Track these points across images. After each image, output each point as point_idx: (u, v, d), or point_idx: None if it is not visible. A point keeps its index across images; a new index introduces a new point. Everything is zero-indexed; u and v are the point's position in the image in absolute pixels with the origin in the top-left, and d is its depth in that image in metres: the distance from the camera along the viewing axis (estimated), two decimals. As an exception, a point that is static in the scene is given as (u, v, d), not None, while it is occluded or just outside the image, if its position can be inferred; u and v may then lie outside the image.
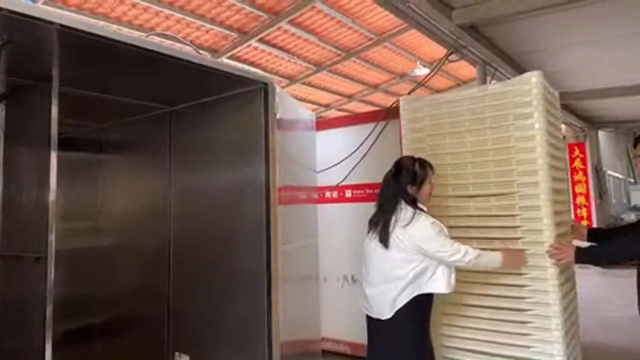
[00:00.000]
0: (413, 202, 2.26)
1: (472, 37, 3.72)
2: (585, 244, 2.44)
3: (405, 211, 2.21)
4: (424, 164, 2.34)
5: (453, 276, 2.22)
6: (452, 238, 2.23)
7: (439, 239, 2.17)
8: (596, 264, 3.25)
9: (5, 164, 2.70)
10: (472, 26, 3.68)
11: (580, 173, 9.28)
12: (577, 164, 9.25)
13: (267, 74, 2.69)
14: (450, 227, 2.35)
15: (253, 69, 6.67)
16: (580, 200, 9.21)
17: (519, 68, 5.10)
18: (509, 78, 4.94)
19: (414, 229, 2.16)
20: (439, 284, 2.19)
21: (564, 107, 7.40)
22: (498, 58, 4.37)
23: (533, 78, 2.49)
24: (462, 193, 2.68)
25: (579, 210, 9.15)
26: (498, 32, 3.96)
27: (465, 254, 2.19)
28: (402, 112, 2.97)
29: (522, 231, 2.49)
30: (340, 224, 3.82)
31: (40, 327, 2.14)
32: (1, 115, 2.70)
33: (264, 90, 2.63)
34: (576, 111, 8.16)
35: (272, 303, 2.55)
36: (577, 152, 9.27)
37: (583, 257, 2.36)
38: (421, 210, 2.25)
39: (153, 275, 3.18)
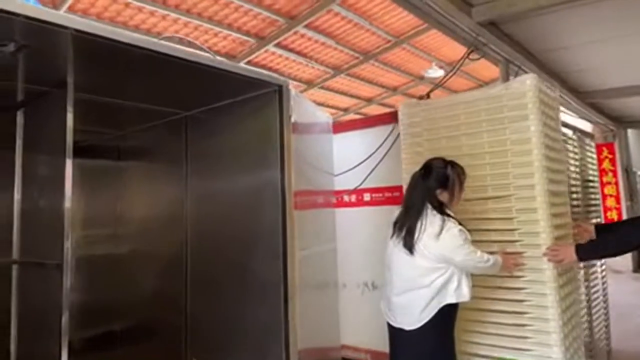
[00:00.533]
0: (441, 207, 2.18)
1: (493, 34, 3.62)
2: None
3: (432, 217, 2.13)
4: (455, 167, 2.26)
5: (470, 283, 2.19)
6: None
7: (466, 247, 2.11)
8: (601, 257, 3.13)
9: (23, 172, 2.72)
10: (492, 23, 3.58)
11: (610, 174, 8.95)
12: (606, 165, 8.93)
13: (282, 77, 2.64)
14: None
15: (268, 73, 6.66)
16: (610, 202, 8.89)
17: (543, 66, 4.95)
18: (532, 77, 4.80)
19: (444, 239, 2.08)
20: (463, 292, 2.14)
21: (591, 106, 7.16)
22: (520, 56, 4.24)
23: (528, 81, 2.52)
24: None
25: (609, 213, 8.83)
26: (519, 29, 3.84)
27: (487, 260, 2.16)
28: (400, 118, 3.02)
29: (519, 234, 2.51)
30: (359, 228, 3.73)
31: (57, 334, 2.12)
32: (20, 123, 2.72)
33: (278, 92, 2.59)
34: (604, 110, 7.89)
35: (290, 310, 2.49)
36: (605, 152, 8.95)
37: (585, 254, 2.36)
38: (449, 216, 2.15)
39: (170, 281, 3.16)
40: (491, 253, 2.28)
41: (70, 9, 5.07)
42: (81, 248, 3.76)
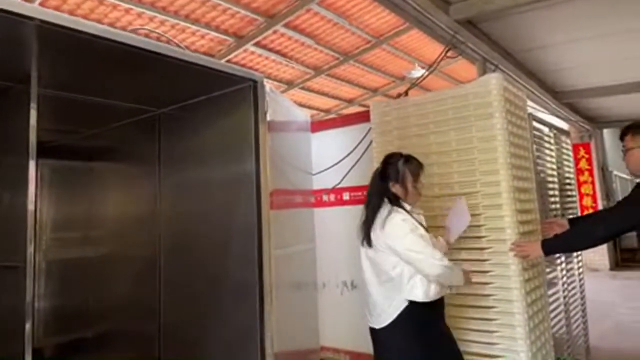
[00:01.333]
0: (397, 201, 2.18)
1: (471, 32, 3.63)
2: None
3: (384, 209, 2.14)
4: (410, 159, 2.26)
5: (433, 286, 2.08)
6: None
7: (409, 238, 2.05)
8: (567, 251, 3.16)
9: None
10: (470, 21, 3.58)
11: (586, 174, 9.11)
12: (583, 164, 9.08)
13: (257, 73, 2.58)
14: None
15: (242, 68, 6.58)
16: (587, 201, 9.03)
17: (520, 66, 4.99)
18: (510, 76, 4.84)
19: (387, 227, 2.08)
20: (415, 291, 2.06)
21: (568, 105, 7.27)
22: (498, 55, 4.26)
23: (493, 80, 2.59)
24: (428, 193, 2.69)
25: (585, 212, 8.98)
26: (497, 27, 3.86)
27: (441, 259, 2.04)
28: (372, 117, 3.07)
29: (486, 229, 2.56)
30: (338, 228, 3.69)
31: (20, 340, 2.03)
32: (-19, 120, 2.60)
33: (253, 88, 2.53)
34: (580, 110, 8.03)
35: (265, 311, 2.43)
36: (582, 152, 9.10)
37: (549, 248, 2.39)
38: (401, 207, 2.16)
39: (143, 285, 3.07)
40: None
41: (42, 6, 4.92)
42: (50, 251, 3.64)
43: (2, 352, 2.29)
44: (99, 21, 5.37)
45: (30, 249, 2.02)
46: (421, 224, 2.21)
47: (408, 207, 2.20)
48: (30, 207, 2.03)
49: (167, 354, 2.88)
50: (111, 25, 5.49)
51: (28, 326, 2.00)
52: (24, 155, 2.06)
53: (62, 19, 1.78)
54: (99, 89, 2.67)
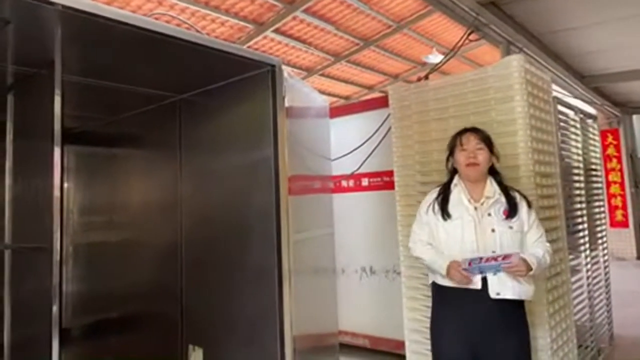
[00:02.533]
0: (452, 174, 2.21)
1: (494, 14, 3.53)
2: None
3: None
4: (456, 133, 2.23)
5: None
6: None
7: (416, 218, 2.24)
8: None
9: (15, 156, 2.68)
10: (493, 2, 3.49)
11: (614, 161, 8.86)
12: (611, 151, 8.83)
13: (275, 57, 2.57)
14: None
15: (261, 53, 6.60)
16: (614, 189, 8.80)
17: (546, 49, 4.85)
18: (535, 60, 4.72)
19: None
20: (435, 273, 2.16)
21: (596, 90, 7.05)
22: (522, 38, 4.15)
23: (514, 62, 2.52)
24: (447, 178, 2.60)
25: (613, 200, 8.75)
26: (521, 9, 3.75)
27: (414, 245, 2.20)
28: (390, 102, 3.04)
29: None
30: (357, 213, 3.70)
31: (49, 320, 2.10)
32: (10, 106, 2.67)
33: (271, 72, 2.52)
34: (609, 95, 7.77)
35: (284, 295, 2.46)
36: (610, 138, 8.85)
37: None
38: (448, 183, 2.18)
39: (165, 268, 3.13)
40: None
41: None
42: (76, 236, 3.75)
43: (32, 332, 2.38)
44: (122, 9, 5.44)
45: (56, 234, 2.09)
46: (469, 200, 2.09)
47: (456, 180, 2.17)
48: (56, 192, 2.09)
49: (188, 336, 2.94)
50: (133, 12, 5.55)
51: (55, 308, 2.07)
52: (48, 141, 2.12)
53: (83, 4, 1.80)
54: (121, 75, 2.70)
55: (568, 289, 2.74)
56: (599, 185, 3.83)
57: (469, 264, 1.95)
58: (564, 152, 3.14)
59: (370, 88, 9.48)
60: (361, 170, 3.55)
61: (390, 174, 3.32)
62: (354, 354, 3.71)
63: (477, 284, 1.98)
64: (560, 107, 3.11)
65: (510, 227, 2.02)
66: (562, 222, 2.72)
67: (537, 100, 2.61)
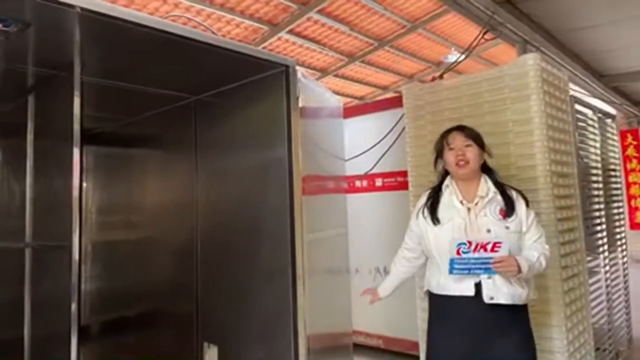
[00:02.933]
0: (444, 176, 2.14)
1: (510, 13, 3.50)
2: None
3: None
4: (442, 133, 2.14)
5: (442, 277, 1.99)
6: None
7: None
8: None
9: (35, 156, 2.74)
10: (509, 1, 3.45)
11: (635, 161, 8.65)
12: (630, 151, 8.63)
13: (289, 58, 2.59)
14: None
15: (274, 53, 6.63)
16: (635, 190, 8.61)
17: (563, 48, 4.79)
18: (552, 58, 4.66)
19: None
20: (429, 280, 2.13)
21: (615, 90, 6.92)
22: (539, 36, 4.10)
23: (529, 60, 2.50)
24: None
25: (633, 201, 8.57)
26: (538, 7, 3.70)
27: (395, 258, 2.34)
28: (404, 102, 3.04)
29: None
30: (371, 214, 3.69)
31: (67, 317, 2.15)
32: (31, 108, 2.73)
33: (285, 73, 2.54)
34: (629, 95, 7.63)
35: (298, 294, 2.47)
36: (630, 139, 8.64)
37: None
38: (439, 185, 2.13)
39: (181, 267, 3.16)
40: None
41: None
42: (94, 235, 3.82)
43: (51, 329, 2.43)
44: (139, 11, 5.52)
45: (75, 232, 2.13)
46: (461, 201, 2.02)
47: (448, 181, 2.09)
48: (75, 192, 2.13)
49: (204, 333, 2.97)
50: (150, 15, 5.63)
51: (74, 305, 2.11)
52: (68, 142, 2.16)
53: (102, 6, 1.83)
54: (138, 76, 2.74)
55: (586, 291, 2.70)
56: (618, 186, 3.77)
57: (457, 252, 1.86)
58: (582, 152, 3.09)
59: (384, 88, 9.45)
60: (375, 171, 3.55)
61: (404, 174, 3.32)
62: (368, 354, 3.71)
63: (470, 290, 1.91)
64: (577, 107, 3.07)
65: (507, 227, 1.92)
66: (580, 223, 2.68)
67: (553, 99, 2.58)
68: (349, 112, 3.75)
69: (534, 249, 1.94)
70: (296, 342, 2.44)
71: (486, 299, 1.88)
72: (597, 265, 3.15)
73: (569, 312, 2.40)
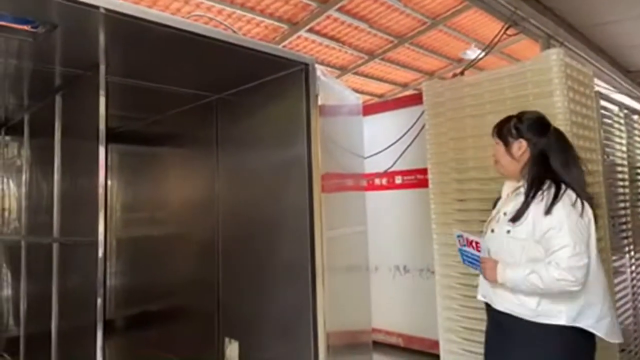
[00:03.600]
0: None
1: (533, 7, 3.43)
2: None
3: None
4: None
5: None
6: (475, 221, 2.15)
7: None
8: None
9: (62, 154, 2.81)
10: (532, -5, 3.39)
11: (663, 159, 8.41)
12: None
13: (308, 56, 2.60)
14: (473, 211, 2.45)
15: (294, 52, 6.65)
16: (664, 188, 8.36)
17: (589, 43, 4.68)
18: (577, 54, 4.56)
19: None
20: None
21: (642, 86, 6.72)
22: (563, 31, 4.01)
23: (553, 55, 2.45)
24: (484, 176, 2.62)
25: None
26: (561, 1, 3.62)
27: None
28: (424, 98, 3.01)
29: None
30: (390, 211, 3.68)
31: (93, 311, 2.20)
32: (58, 107, 2.80)
33: (305, 71, 2.55)
34: (658, 91, 7.39)
35: (317, 291, 2.48)
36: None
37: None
38: None
39: (203, 263, 3.22)
40: None
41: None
42: (118, 231, 3.90)
43: (77, 322, 2.50)
44: (162, 12, 5.61)
45: (101, 229, 2.19)
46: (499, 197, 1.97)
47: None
48: (101, 190, 2.19)
49: (225, 329, 3.01)
50: (172, 15, 5.72)
51: (100, 300, 2.17)
52: (94, 140, 2.22)
53: (126, 7, 1.87)
54: (162, 75, 2.79)
55: (611, 291, 2.64)
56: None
57: (459, 242, 1.88)
58: (607, 149, 3.02)
59: (404, 86, 9.39)
60: (395, 168, 3.54)
61: (424, 171, 3.29)
62: (387, 352, 3.70)
63: (478, 293, 1.90)
64: (603, 103, 3.00)
65: (508, 232, 1.75)
66: (605, 222, 2.63)
67: (578, 95, 2.53)
68: (369, 109, 3.74)
69: (540, 262, 1.67)
70: (316, 338, 2.46)
71: (496, 305, 1.80)
72: (623, 265, 3.08)
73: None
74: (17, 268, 3.30)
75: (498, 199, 1.97)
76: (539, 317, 1.67)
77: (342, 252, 2.90)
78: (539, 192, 1.71)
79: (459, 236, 1.89)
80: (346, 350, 2.87)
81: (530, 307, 1.68)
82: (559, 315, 1.66)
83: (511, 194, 1.85)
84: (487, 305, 1.87)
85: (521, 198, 1.76)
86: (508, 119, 1.93)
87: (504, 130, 1.90)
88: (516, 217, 1.72)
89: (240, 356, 2.84)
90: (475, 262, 1.82)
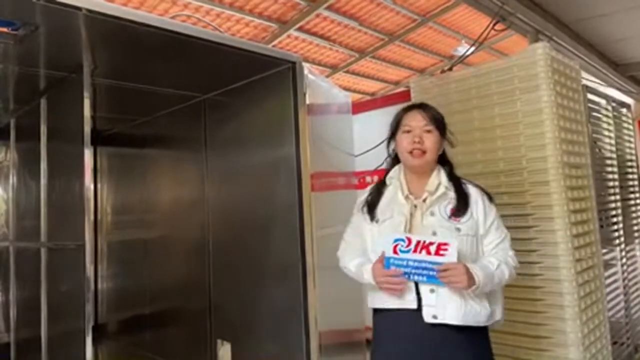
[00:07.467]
0: (393, 162, 1.82)
1: (520, 2, 3.44)
2: None
3: None
4: (400, 110, 1.82)
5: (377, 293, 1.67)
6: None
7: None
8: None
9: (49, 158, 2.78)
10: (519, -10, 3.40)
11: (653, 152, 8.48)
12: (649, 142, 8.45)
13: (295, 54, 2.59)
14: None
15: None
16: (655, 181, 8.42)
17: (577, 37, 4.69)
18: (566, 48, 4.57)
19: None
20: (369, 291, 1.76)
21: (632, 79, 6.76)
22: (551, 26, 4.02)
23: (539, 50, 2.46)
24: (471, 171, 2.61)
25: (653, 193, 8.38)
26: (549, -4, 3.63)
27: (341, 254, 1.91)
28: (412, 95, 3.05)
29: (532, 207, 2.47)
30: (382, 209, 3.66)
31: (82, 316, 2.19)
32: (43, 110, 2.77)
33: (292, 69, 2.54)
34: (647, 84, 7.44)
35: (308, 291, 2.47)
36: (648, 129, 8.47)
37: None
38: (386, 176, 1.82)
39: (194, 265, 3.20)
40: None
41: None
42: (108, 234, 3.88)
43: (67, 327, 2.48)
44: (149, 12, 5.57)
45: (89, 232, 2.17)
46: (407, 196, 1.69)
47: (395, 171, 1.78)
48: (87, 193, 2.17)
49: (217, 330, 3.00)
50: (160, 16, 5.68)
51: (88, 305, 2.15)
52: (79, 143, 2.20)
53: (108, 7, 1.85)
54: (148, 76, 2.77)
55: (601, 284, 2.66)
56: (635, 177, 3.68)
57: (394, 249, 1.56)
58: (598, 143, 3.03)
59: (396, 84, 9.39)
60: (385, 166, 3.53)
61: (414, 168, 3.30)
62: (381, 350, 3.69)
63: (411, 302, 1.56)
64: (590, 96, 3.01)
65: (458, 229, 1.58)
66: (594, 215, 2.64)
67: (564, 89, 2.54)
68: (359, 107, 3.73)
69: (494, 255, 1.61)
70: (308, 338, 2.45)
71: (427, 318, 1.53)
72: (614, 258, 3.10)
73: (583, 305, 2.36)
74: (6, 273, 3.27)
75: (375, 197, 1.78)
76: (488, 320, 1.59)
77: (333, 250, 2.89)
78: (468, 185, 1.71)
79: (399, 240, 1.58)
80: (339, 349, 2.86)
81: (486, 311, 1.57)
82: (496, 312, 1.63)
83: (431, 194, 1.66)
84: (408, 320, 1.58)
85: (450, 193, 1.65)
86: (434, 108, 1.79)
87: (444, 120, 1.75)
88: (460, 212, 1.61)
89: (232, 358, 2.82)
90: (423, 272, 1.53)
